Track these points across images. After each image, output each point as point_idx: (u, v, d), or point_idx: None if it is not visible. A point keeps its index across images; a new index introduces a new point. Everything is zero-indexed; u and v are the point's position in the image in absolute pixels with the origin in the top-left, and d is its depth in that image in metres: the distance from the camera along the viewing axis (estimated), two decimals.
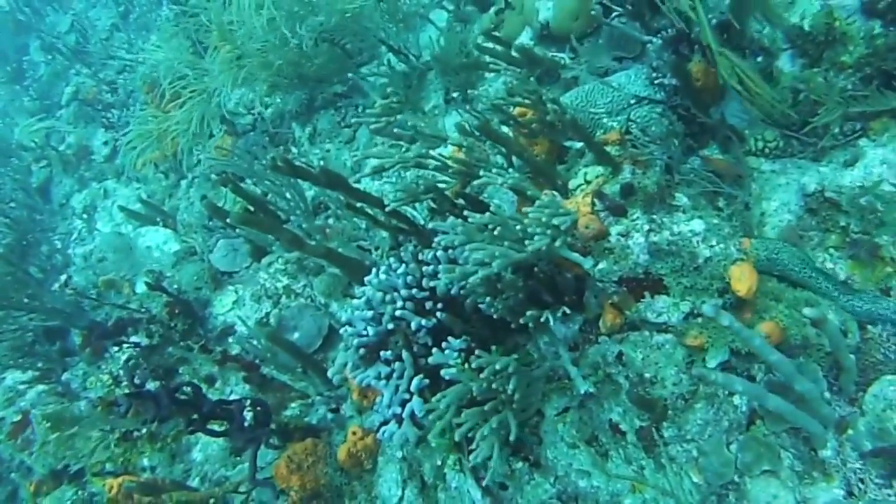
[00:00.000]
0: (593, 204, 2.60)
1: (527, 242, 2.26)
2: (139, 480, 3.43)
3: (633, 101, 3.44)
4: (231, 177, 4.67)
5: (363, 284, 3.18)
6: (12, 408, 4.73)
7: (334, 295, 3.95)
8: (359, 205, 3.49)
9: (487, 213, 2.37)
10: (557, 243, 2.28)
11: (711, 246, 2.41)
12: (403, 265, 2.89)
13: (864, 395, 2.43)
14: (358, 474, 3.10)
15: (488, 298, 2.63)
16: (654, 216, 2.51)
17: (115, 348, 4.25)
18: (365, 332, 2.86)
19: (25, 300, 4.42)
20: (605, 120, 3.48)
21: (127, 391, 3.07)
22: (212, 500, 3.26)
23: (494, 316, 2.63)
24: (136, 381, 2.86)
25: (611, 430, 2.58)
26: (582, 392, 2.54)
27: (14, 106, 8.11)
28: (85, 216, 6.44)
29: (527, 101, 3.20)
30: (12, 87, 8.19)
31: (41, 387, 4.68)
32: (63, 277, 4.68)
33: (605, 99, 3.48)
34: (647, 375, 2.48)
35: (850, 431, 2.38)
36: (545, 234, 2.25)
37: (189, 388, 2.86)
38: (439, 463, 2.87)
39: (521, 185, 2.65)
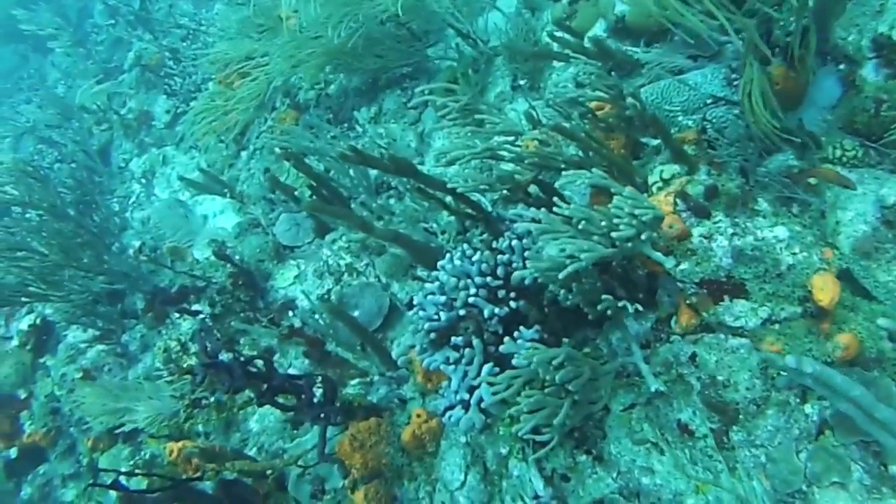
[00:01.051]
0: (675, 204, 2.62)
1: (614, 234, 2.28)
2: (200, 446, 3.54)
3: (709, 101, 3.44)
4: (294, 152, 4.76)
5: (429, 268, 3.23)
6: (73, 365, 4.90)
7: (396, 276, 4.02)
8: (428, 190, 3.55)
9: (573, 206, 2.40)
10: (643, 237, 2.31)
11: (794, 253, 2.42)
12: (478, 252, 2.93)
13: None
14: (419, 456, 3.17)
15: (563, 290, 2.67)
16: (738, 220, 2.53)
17: (177, 315, 4.37)
18: (436, 317, 2.92)
19: (93, 262, 4.55)
20: (680, 118, 3.48)
21: (198, 360, 3.15)
22: (269, 472, 3.35)
23: (568, 307, 2.67)
24: (209, 351, 2.94)
25: (679, 429, 2.61)
26: (653, 390, 2.57)
27: (77, 68, 8.26)
28: (144, 181, 6.57)
29: (605, 96, 3.22)
30: (76, 49, 8.33)
31: (101, 346, 4.83)
32: (137, 243, 4.80)
33: (680, 97, 3.48)
34: (719, 378, 2.51)
35: None
36: (631, 226, 2.27)
37: (261, 361, 2.95)
38: (504, 451, 2.93)
39: (605, 183, 2.67)
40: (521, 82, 4.65)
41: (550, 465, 2.87)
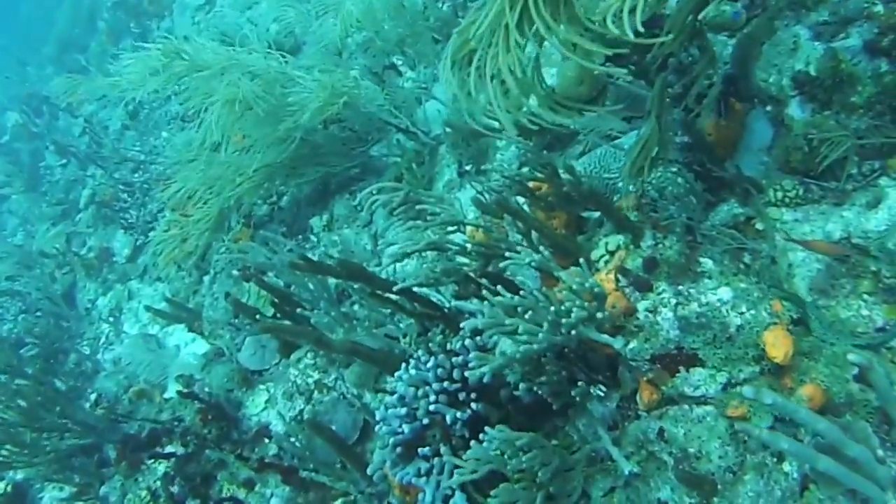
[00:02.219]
0: (617, 280, 2.65)
1: (563, 321, 2.30)
2: None
3: None
4: (252, 272, 4.82)
5: (393, 375, 3.24)
6: None
7: (367, 385, 4.01)
8: (382, 294, 3.59)
9: (516, 296, 2.43)
10: (584, 327, 2.33)
11: (742, 313, 2.44)
12: (432, 357, 2.94)
13: None
14: None
15: (523, 384, 2.68)
16: (681, 287, 2.56)
17: (151, 460, 4.33)
18: (400, 430, 2.91)
19: (57, 420, 4.53)
20: (619, 184, 3.55)
21: None
22: None
23: (528, 401, 2.67)
24: (176, 497, 2.91)
25: None
26: (626, 473, 2.55)
27: (34, 213, 8.41)
28: (111, 319, 6.60)
29: (541, 175, 3.30)
30: (30, 194, 8.50)
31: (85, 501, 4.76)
32: (93, 396, 4.79)
33: (617, 163, 3.57)
34: (691, 450, 2.49)
35: None
36: (579, 312, 2.30)
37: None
38: None
39: (548, 266, 2.71)
40: (468, 167, 4.76)
41: None
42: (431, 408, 2.86)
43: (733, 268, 2.75)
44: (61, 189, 8.23)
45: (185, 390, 4.33)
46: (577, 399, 2.62)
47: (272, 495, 3.99)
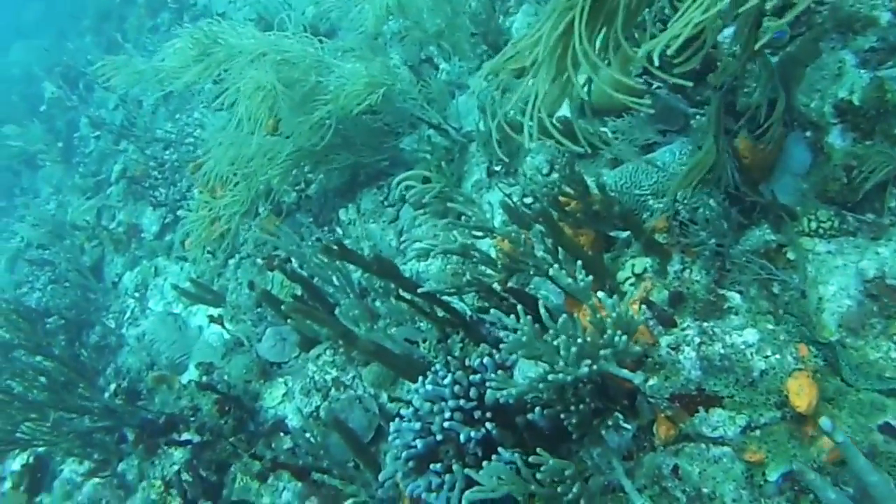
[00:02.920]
0: (641, 311, 2.60)
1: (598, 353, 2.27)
2: None
3: None
4: (278, 261, 4.82)
5: (411, 380, 3.23)
6: (69, 501, 4.91)
7: (384, 386, 4.01)
8: (407, 296, 3.58)
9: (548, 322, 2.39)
10: (605, 362, 2.30)
11: (766, 357, 2.38)
12: (450, 374, 2.92)
13: None
14: None
15: (539, 409, 2.66)
16: (706, 324, 2.50)
17: (168, 447, 4.39)
18: (414, 444, 2.90)
19: (78, 401, 4.60)
20: (650, 202, 3.49)
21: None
22: None
23: (544, 427, 2.65)
24: (189, 496, 2.94)
25: None
26: None
27: (66, 184, 8.51)
28: (137, 295, 6.68)
29: (570, 191, 3.24)
30: (64, 164, 8.60)
31: (97, 480, 4.84)
32: (112, 386, 4.86)
33: (649, 180, 3.50)
34: (704, 490, 2.45)
35: None
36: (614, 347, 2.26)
37: None
38: None
39: (580, 292, 2.65)
40: (497, 168, 4.70)
41: None
42: (446, 425, 2.85)
43: (761, 305, 2.67)
44: (94, 161, 8.31)
45: (204, 380, 4.36)
46: (593, 428, 2.59)
47: (284, 489, 4.02)
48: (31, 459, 5.37)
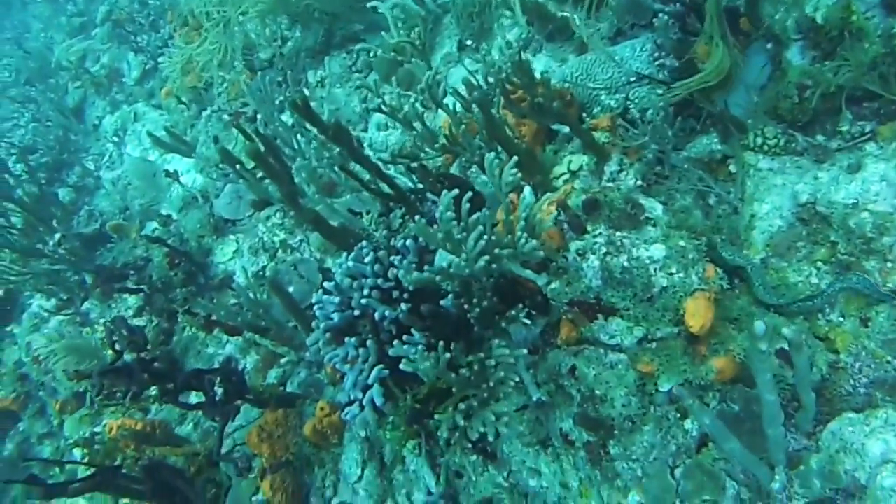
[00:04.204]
0: (558, 213, 2.43)
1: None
2: (136, 427, 3.53)
3: (633, 79, 3.19)
4: (244, 118, 4.60)
5: (346, 250, 3.11)
6: (37, 333, 4.92)
7: (329, 251, 3.91)
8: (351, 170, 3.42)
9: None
10: (509, 261, 2.16)
11: (670, 274, 2.22)
12: (372, 252, 2.79)
13: (823, 429, 2.30)
14: (326, 447, 3.13)
15: (452, 297, 2.55)
16: (618, 234, 2.32)
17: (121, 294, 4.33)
18: (331, 317, 2.82)
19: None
20: (602, 97, 3.24)
21: (100, 367, 3.10)
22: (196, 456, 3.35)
23: (451, 315, 2.55)
24: (117, 347, 2.89)
25: (562, 437, 2.51)
26: (534, 399, 2.47)
27: (53, 24, 8.05)
28: (116, 139, 6.45)
29: (517, 81, 3.00)
30: (53, 3, 8.10)
31: (61, 317, 4.83)
32: (57, 236, 4.72)
33: (605, 74, 3.24)
34: (597, 393, 2.39)
35: (801, 468, 2.26)
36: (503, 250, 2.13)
37: (164, 361, 2.89)
38: (399, 447, 2.86)
39: (496, 187, 2.48)
40: (468, 42, 4.40)
41: (444, 461, 2.81)
42: (363, 301, 2.75)
43: (681, 219, 2.50)
44: (83, 1, 7.82)
45: (157, 233, 4.24)
46: (502, 324, 2.49)
47: (228, 341, 4.00)
48: (0, 292, 5.35)
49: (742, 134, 2.93)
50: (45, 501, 3.09)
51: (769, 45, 2.91)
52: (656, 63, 3.12)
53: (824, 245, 2.58)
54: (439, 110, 3.46)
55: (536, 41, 4.00)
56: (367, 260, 2.79)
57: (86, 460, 3.25)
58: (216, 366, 3.97)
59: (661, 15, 3.04)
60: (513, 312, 2.50)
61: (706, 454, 2.35)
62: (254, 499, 3.24)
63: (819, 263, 2.57)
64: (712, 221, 2.76)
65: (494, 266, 2.14)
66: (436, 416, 2.48)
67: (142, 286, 4.18)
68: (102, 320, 4.50)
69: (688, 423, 2.35)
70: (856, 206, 2.47)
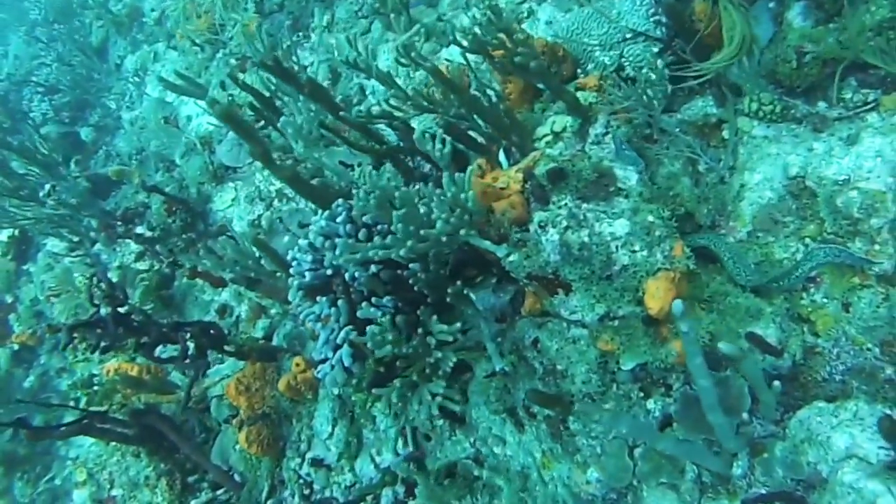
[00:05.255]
0: (525, 181, 2.25)
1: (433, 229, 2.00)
2: (129, 373, 3.51)
3: (629, 36, 2.94)
4: (249, 64, 4.45)
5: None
6: (50, 273, 4.93)
7: None
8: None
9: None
10: (463, 232, 2.02)
11: (633, 252, 2.03)
12: (345, 212, 2.66)
13: (793, 416, 2.15)
14: (302, 402, 3.07)
15: (416, 265, 2.43)
16: (584, 206, 2.13)
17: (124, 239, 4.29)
18: (304, 275, 2.72)
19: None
20: (597, 53, 3.00)
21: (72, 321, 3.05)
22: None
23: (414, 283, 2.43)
24: (94, 301, 2.84)
25: (525, 409, 2.40)
26: (497, 369, 2.35)
27: None
28: (136, 79, 6.33)
29: (496, 41, 2.76)
30: None
31: (73, 259, 4.82)
32: (47, 186, 4.64)
33: (600, 30, 2.99)
34: (559, 367, 2.26)
35: (765, 455, 2.12)
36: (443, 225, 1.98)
37: (140, 315, 2.83)
38: (370, 405, 2.79)
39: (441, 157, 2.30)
40: None
41: (412, 424, 2.73)
42: (335, 261, 2.64)
43: (653, 191, 2.30)
44: None
45: (151, 184, 4.16)
46: (453, 296, 2.35)
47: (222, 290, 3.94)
48: (16, 232, 5.36)
49: (739, 98, 2.69)
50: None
51: (771, 5, 2.63)
52: (653, 19, 2.86)
53: (813, 221, 2.38)
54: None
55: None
56: (338, 220, 2.67)
57: (77, 404, 3.25)
58: (213, 312, 3.95)
59: None
60: (480, 279, 2.37)
61: (669, 434, 2.22)
62: (236, 447, 3.22)
63: (808, 240, 2.38)
64: (700, 191, 2.56)
65: (445, 240, 1.99)
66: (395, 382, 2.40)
67: (142, 233, 4.13)
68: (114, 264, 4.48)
69: (651, 403, 2.21)
70: (846, 183, 2.24)
